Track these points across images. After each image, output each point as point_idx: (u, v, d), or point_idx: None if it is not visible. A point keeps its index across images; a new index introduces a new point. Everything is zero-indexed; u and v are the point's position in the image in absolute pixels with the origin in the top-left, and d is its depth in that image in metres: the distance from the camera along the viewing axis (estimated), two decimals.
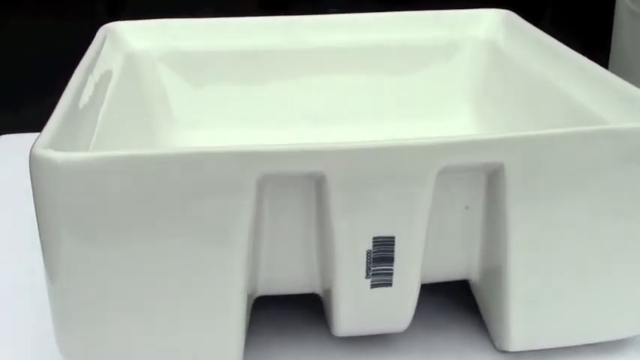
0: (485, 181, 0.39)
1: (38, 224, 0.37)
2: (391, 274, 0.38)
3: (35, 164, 0.36)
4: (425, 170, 0.37)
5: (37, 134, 0.65)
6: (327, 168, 0.36)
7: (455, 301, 0.45)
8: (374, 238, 0.38)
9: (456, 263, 0.41)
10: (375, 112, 0.57)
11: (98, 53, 0.50)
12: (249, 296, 0.40)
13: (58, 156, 0.35)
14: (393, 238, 0.38)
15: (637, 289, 0.40)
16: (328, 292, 0.40)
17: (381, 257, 0.38)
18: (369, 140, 0.36)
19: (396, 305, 0.40)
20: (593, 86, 0.45)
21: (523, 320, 0.40)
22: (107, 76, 0.49)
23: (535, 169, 0.37)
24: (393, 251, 0.38)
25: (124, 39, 0.55)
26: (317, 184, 0.37)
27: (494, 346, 0.42)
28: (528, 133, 0.37)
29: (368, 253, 0.38)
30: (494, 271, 0.40)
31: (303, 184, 0.37)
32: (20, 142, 0.65)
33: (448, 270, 0.41)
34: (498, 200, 0.38)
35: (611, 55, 0.76)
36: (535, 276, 0.39)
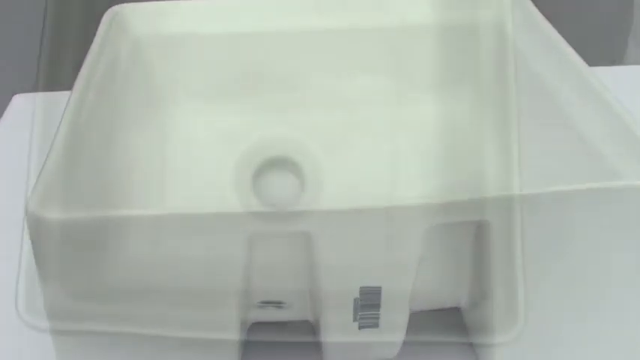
0: (473, 229, 0.39)
1: (38, 275, 0.38)
2: (378, 318, 0.40)
3: (31, 222, 0.37)
4: (411, 230, 0.37)
5: (50, 93, 0.66)
6: (313, 229, 0.37)
7: (447, 322, 0.46)
8: (361, 288, 0.39)
9: (444, 296, 0.42)
10: (378, 95, 0.57)
11: (103, 47, 0.50)
12: (243, 323, 0.42)
13: (54, 217, 0.36)
14: (380, 288, 0.39)
15: (621, 332, 0.41)
16: (318, 323, 0.41)
17: (369, 304, 0.39)
18: (354, 203, 0.37)
19: (383, 341, 0.41)
20: (593, 107, 0.45)
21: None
22: (111, 72, 0.50)
23: (521, 227, 0.38)
24: (379, 299, 0.39)
25: (130, 23, 0.55)
26: (306, 240, 0.38)
27: None
28: (514, 194, 0.37)
29: (355, 300, 0.39)
30: (481, 302, 0.41)
31: (292, 239, 0.38)
32: (33, 102, 0.66)
33: (437, 302, 0.42)
34: (486, 248, 0.39)
35: None
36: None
